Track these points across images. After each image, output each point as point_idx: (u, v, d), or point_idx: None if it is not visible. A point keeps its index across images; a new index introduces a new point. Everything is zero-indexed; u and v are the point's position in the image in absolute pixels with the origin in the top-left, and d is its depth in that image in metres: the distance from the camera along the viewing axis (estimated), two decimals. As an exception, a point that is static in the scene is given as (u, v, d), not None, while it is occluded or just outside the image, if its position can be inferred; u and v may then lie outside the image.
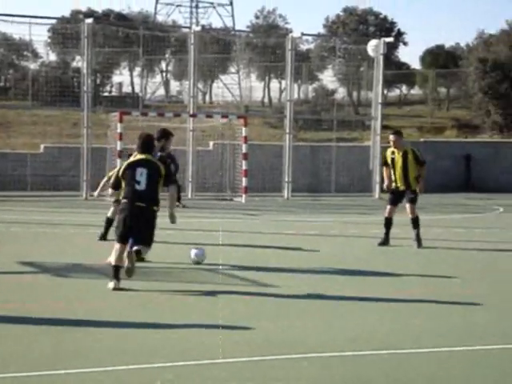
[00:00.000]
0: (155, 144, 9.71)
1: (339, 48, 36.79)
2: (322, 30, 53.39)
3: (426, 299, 8.41)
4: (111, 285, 8.66)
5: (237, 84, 45.08)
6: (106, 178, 11.90)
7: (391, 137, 12.94)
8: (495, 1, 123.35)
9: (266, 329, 6.95)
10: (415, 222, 12.67)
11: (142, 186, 8.85)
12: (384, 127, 29.78)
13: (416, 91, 56.73)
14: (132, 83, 50.19)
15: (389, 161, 12.85)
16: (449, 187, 27.27)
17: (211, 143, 26.18)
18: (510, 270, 10.81)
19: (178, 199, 16.70)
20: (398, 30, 53.69)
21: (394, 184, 12.83)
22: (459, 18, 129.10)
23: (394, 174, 12.77)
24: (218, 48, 42.39)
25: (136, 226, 8.78)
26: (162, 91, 52.64)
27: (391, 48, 45.45)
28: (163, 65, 53.20)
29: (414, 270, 10.47)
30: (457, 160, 28.39)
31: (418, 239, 12.60)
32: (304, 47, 49.64)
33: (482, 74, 36.81)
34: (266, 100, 52.62)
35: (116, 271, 8.70)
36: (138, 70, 47.84)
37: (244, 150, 22.70)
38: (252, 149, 24.32)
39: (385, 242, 12.75)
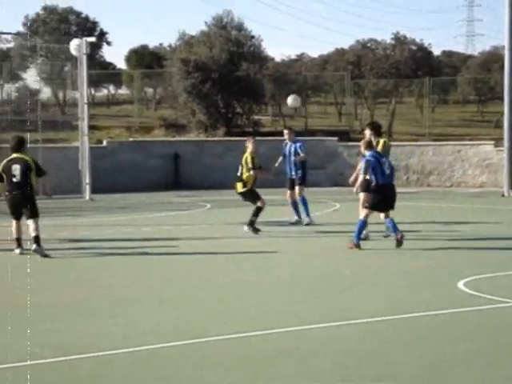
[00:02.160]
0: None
1: (41, 47, 35.70)
2: (21, 29, 51.55)
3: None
4: (17, 251, 11.85)
5: None
6: None
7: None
8: (194, 2, 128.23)
9: None
10: None
11: (17, 179, 11.90)
12: (92, 127, 29.49)
13: (124, 91, 56.85)
14: None
15: None
16: (159, 186, 27.69)
17: None
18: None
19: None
20: (101, 29, 53.41)
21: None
22: (162, 19, 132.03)
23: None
24: None
25: (20, 208, 11.91)
26: None
27: (95, 47, 45.04)
28: None
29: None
30: (166, 159, 28.90)
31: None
32: (4, 46, 47.58)
33: (185, 75, 37.72)
34: (-34, 101, 49.61)
35: (18, 241, 11.95)
36: None
37: None
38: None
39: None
